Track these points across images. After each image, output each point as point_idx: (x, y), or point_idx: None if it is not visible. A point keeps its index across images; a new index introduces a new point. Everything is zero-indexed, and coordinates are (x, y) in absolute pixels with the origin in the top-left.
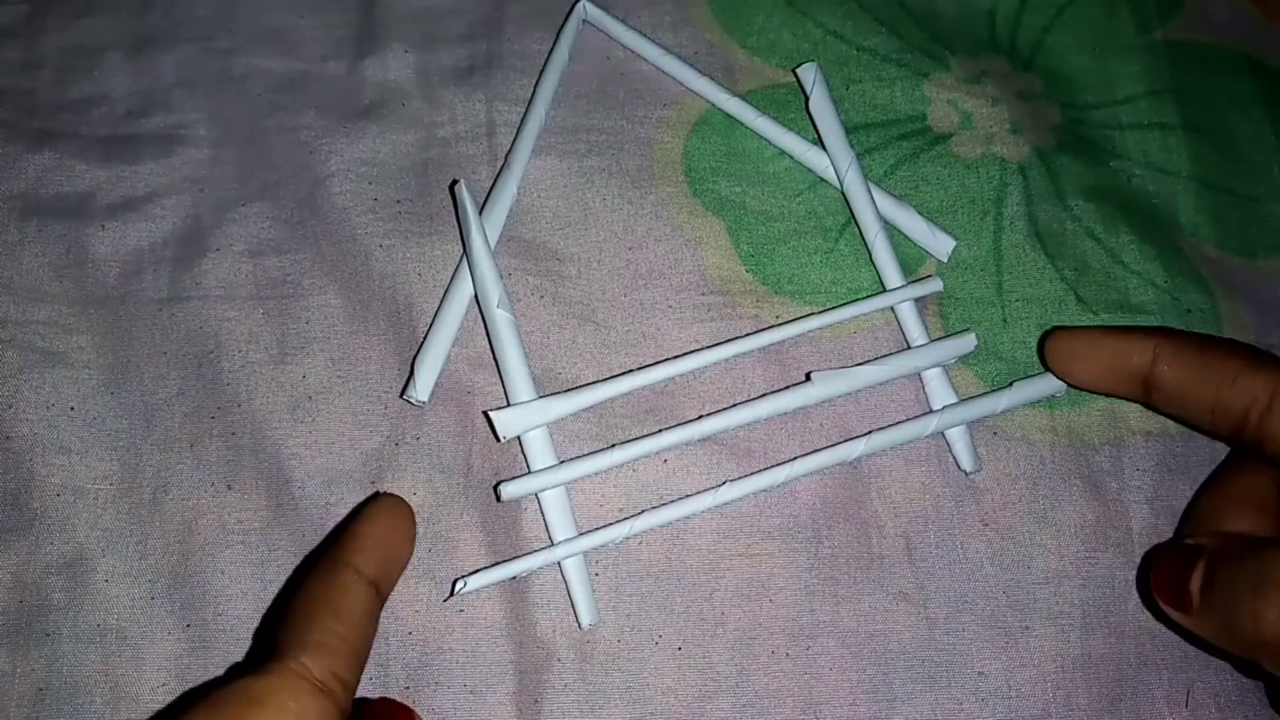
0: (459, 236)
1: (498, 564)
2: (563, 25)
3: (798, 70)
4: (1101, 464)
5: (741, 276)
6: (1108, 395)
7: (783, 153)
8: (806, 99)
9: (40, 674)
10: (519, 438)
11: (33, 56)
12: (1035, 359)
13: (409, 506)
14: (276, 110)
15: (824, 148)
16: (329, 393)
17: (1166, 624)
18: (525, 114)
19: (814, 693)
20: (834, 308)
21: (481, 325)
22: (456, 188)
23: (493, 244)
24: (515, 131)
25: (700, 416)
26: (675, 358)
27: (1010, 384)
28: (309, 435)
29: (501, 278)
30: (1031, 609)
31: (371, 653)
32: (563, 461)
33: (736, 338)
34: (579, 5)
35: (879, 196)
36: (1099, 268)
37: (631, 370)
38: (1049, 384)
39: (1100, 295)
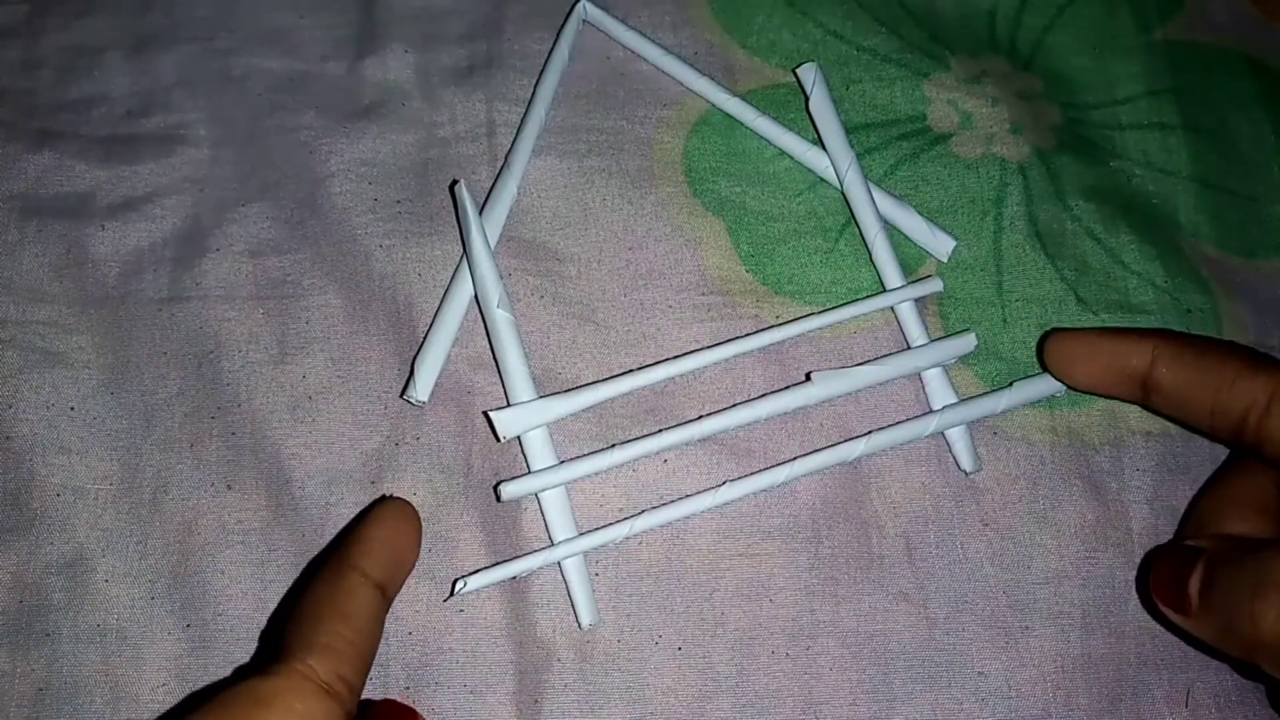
0: (459, 236)
1: (498, 564)
2: (563, 25)
3: (798, 70)
4: (1101, 464)
5: (741, 276)
6: (1106, 397)
7: (783, 153)
8: (806, 99)
9: (40, 674)
10: (519, 438)
11: (33, 56)
12: (1035, 359)
13: (415, 510)
14: (276, 110)
15: (824, 148)
16: (329, 393)
17: (1166, 626)
18: (525, 114)
19: (814, 693)
20: (834, 308)
21: (481, 325)
22: (456, 188)
23: (493, 244)
24: (515, 131)
25: (700, 416)
26: (675, 358)
27: (1010, 384)
28: (309, 435)
29: (501, 278)
30: (1031, 609)
31: None
32: (563, 461)
33: (736, 338)
34: (579, 5)
35: (879, 196)
36: (1099, 268)
37: (631, 370)
38: (1049, 384)
39: (1100, 295)
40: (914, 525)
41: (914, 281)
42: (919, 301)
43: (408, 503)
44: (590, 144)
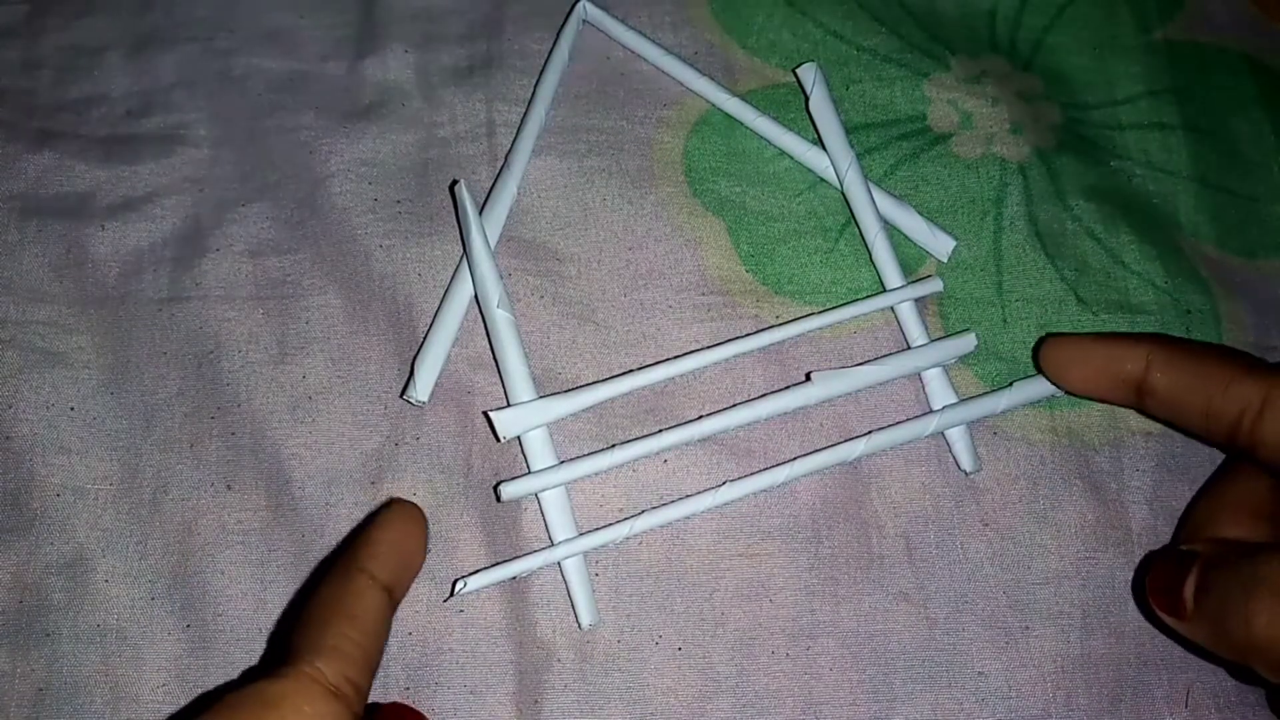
0: (459, 236)
1: (498, 564)
2: (563, 25)
3: (798, 70)
4: (1101, 464)
5: (741, 276)
6: (1102, 402)
7: (783, 153)
8: (806, 99)
9: (40, 674)
10: (519, 438)
11: (33, 56)
12: (1034, 360)
13: (423, 513)
14: (276, 110)
15: (824, 148)
16: (329, 393)
17: (1163, 630)
18: (525, 114)
19: (814, 693)
20: (834, 308)
21: (481, 325)
22: (456, 188)
23: (493, 244)
24: (515, 131)
25: (700, 416)
26: (675, 358)
27: (1010, 384)
28: (309, 435)
29: (501, 278)
30: (1031, 609)
31: None
32: (563, 461)
33: (736, 338)
34: (579, 5)
35: (879, 196)
36: (1099, 268)
37: (631, 370)
38: (1049, 384)
39: (1100, 295)
40: (914, 525)
41: (914, 281)
42: (919, 301)
43: (415, 506)
44: (590, 144)
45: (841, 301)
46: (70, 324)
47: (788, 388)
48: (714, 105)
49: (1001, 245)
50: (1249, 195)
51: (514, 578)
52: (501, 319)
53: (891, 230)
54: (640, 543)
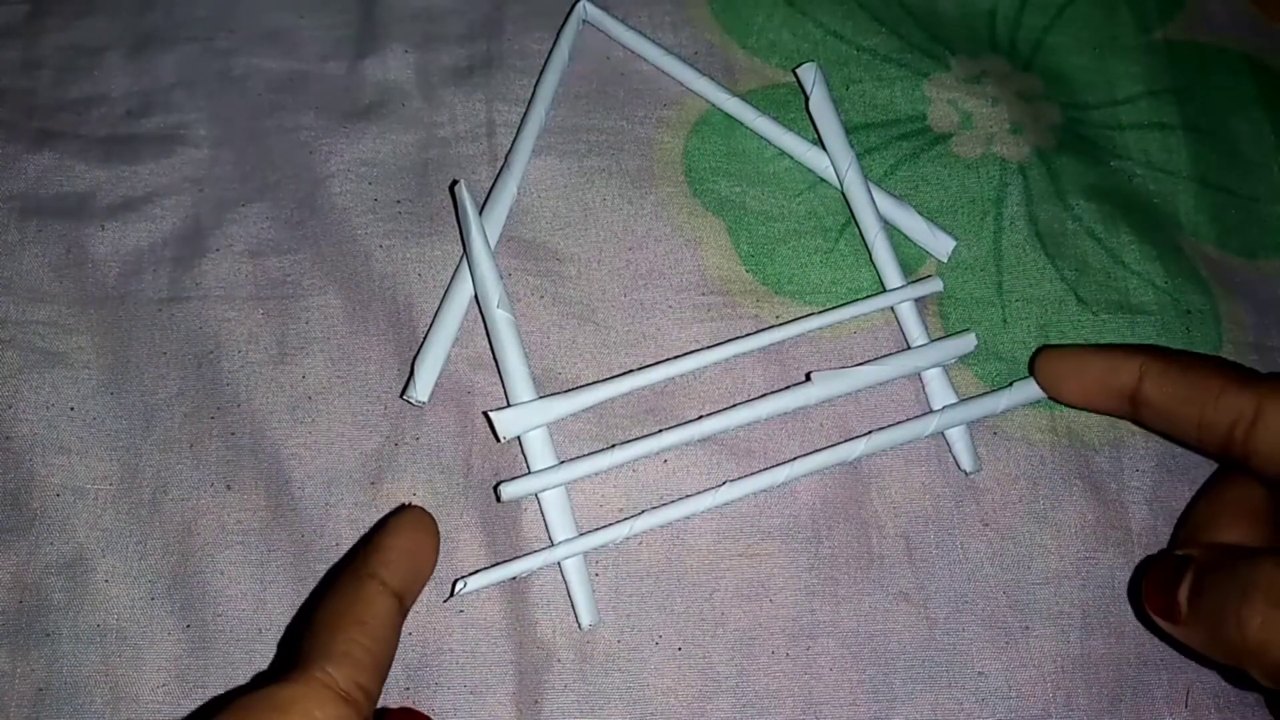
0: (459, 236)
1: (498, 564)
2: (563, 25)
3: (798, 70)
4: (1101, 464)
5: (741, 276)
6: (1098, 412)
7: (783, 153)
8: (806, 99)
9: (40, 674)
10: (519, 438)
11: (33, 56)
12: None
13: (433, 519)
14: (276, 110)
15: (824, 148)
16: (329, 393)
17: (1159, 635)
18: (525, 114)
19: (814, 693)
20: (834, 308)
21: (481, 325)
22: (456, 188)
23: (493, 244)
24: (515, 131)
25: (700, 416)
26: (675, 358)
27: (1010, 384)
28: (309, 435)
29: (501, 278)
30: (1031, 609)
31: None
32: (563, 461)
33: (736, 338)
34: (579, 5)
35: (879, 196)
36: (1099, 268)
37: (631, 370)
38: None
39: (1100, 295)
40: (914, 525)
41: (914, 281)
42: (919, 301)
43: (427, 513)
44: (590, 144)
45: (841, 301)
46: (70, 324)
47: (788, 388)
48: (714, 105)
49: (1001, 245)
50: (1249, 195)
51: (514, 578)
52: (501, 319)
53: (891, 230)
54: (640, 543)
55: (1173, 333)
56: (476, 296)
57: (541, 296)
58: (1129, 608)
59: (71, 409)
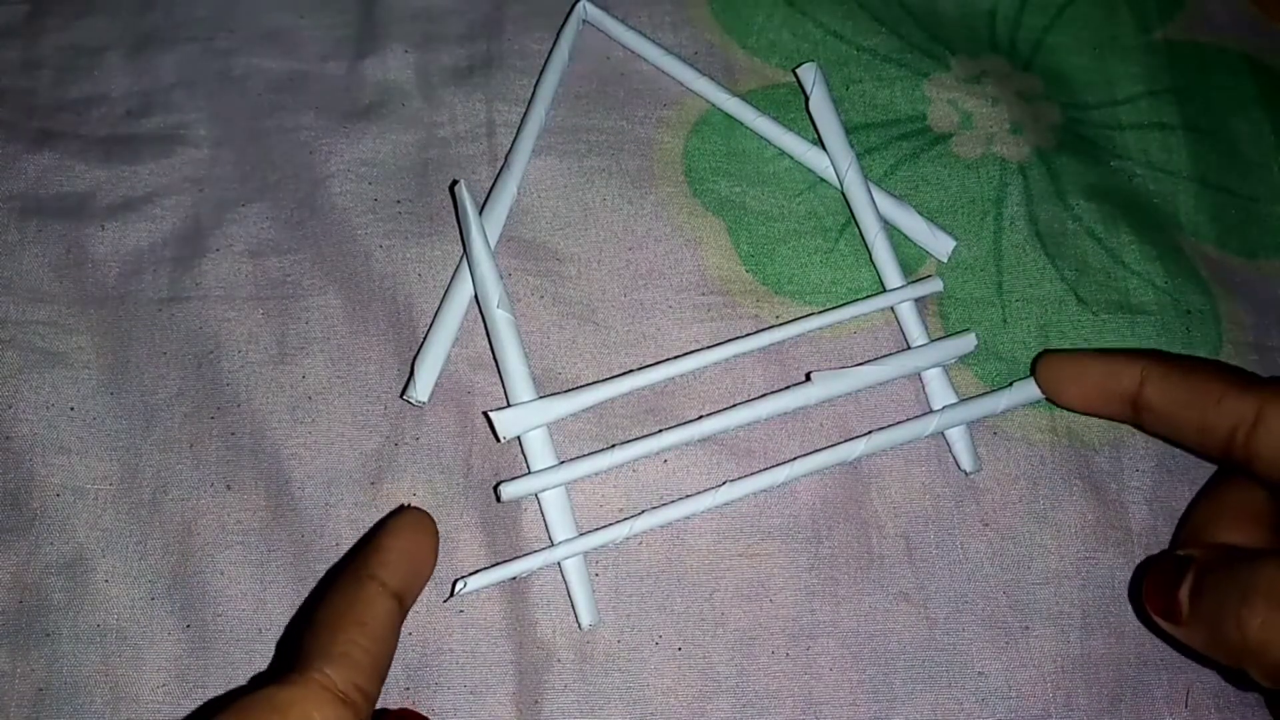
0: (459, 236)
1: (498, 564)
2: (563, 25)
3: (798, 70)
4: (1101, 464)
5: (741, 276)
6: (1099, 417)
7: (783, 153)
8: (806, 99)
9: (40, 674)
10: (519, 438)
11: (33, 56)
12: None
13: (433, 521)
14: (276, 110)
15: (824, 148)
16: (329, 393)
17: (1159, 635)
18: (525, 114)
19: (814, 693)
20: (834, 308)
21: (481, 325)
22: (456, 188)
23: (493, 244)
24: (515, 131)
25: (700, 416)
26: (675, 358)
27: (1010, 384)
28: (309, 435)
29: (501, 278)
30: (1031, 609)
31: None
32: (563, 461)
33: (736, 338)
34: (579, 5)
35: (879, 196)
36: (1099, 268)
37: (631, 370)
38: None
39: (1100, 295)
40: (914, 525)
41: (914, 281)
42: (919, 301)
43: (427, 514)
44: (590, 144)
45: (841, 301)
46: (70, 324)
47: (788, 388)
48: (714, 105)
49: (1001, 245)
50: (1249, 195)
51: (514, 578)
52: (501, 319)
53: (891, 230)
54: (640, 543)
55: (1173, 333)
56: (476, 296)
57: (541, 296)
58: (1129, 608)
59: (71, 409)
